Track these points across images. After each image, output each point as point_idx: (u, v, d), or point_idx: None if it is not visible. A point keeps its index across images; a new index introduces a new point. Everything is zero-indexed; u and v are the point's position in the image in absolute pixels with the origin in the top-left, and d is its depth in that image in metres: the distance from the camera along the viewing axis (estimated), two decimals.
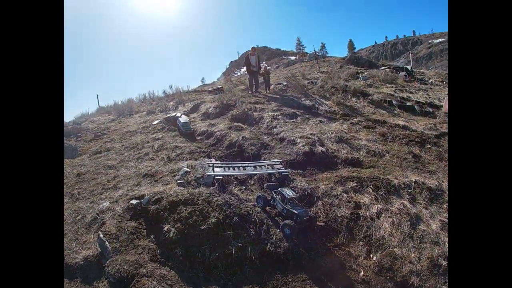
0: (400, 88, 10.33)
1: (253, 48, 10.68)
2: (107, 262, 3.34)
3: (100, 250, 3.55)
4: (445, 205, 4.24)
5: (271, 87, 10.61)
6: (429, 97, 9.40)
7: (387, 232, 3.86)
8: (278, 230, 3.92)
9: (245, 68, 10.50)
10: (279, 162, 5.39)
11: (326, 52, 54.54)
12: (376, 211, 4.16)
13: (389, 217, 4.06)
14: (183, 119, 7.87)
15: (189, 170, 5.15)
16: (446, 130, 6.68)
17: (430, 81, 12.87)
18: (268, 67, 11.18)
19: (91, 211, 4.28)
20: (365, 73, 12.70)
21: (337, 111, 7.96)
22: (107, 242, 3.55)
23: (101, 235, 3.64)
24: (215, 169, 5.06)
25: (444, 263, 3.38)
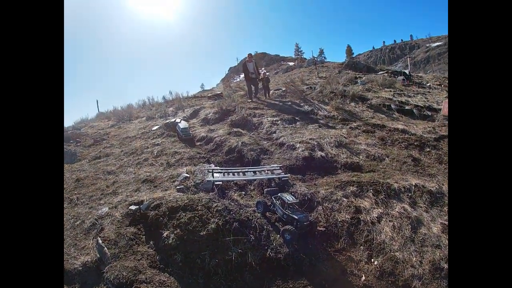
0: (399, 92, 10.40)
1: (249, 54, 10.62)
2: (105, 268, 3.30)
3: (98, 256, 3.51)
4: (446, 208, 4.22)
5: (270, 92, 10.66)
6: (428, 101, 9.46)
7: (388, 236, 3.83)
8: (278, 235, 3.90)
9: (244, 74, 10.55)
10: (278, 167, 5.38)
11: (325, 57, 55.06)
12: (376, 215, 4.14)
13: (389, 221, 4.04)
14: (183, 124, 7.89)
15: (188, 175, 5.13)
16: (445, 133, 6.69)
17: (428, 84, 12.95)
18: (268, 73, 11.25)
19: (90, 216, 4.25)
20: (364, 78, 12.79)
21: (336, 116, 7.98)
22: (106, 248, 3.51)
23: (100, 241, 3.61)
24: (215, 174, 5.05)
25: (446, 266, 3.35)
